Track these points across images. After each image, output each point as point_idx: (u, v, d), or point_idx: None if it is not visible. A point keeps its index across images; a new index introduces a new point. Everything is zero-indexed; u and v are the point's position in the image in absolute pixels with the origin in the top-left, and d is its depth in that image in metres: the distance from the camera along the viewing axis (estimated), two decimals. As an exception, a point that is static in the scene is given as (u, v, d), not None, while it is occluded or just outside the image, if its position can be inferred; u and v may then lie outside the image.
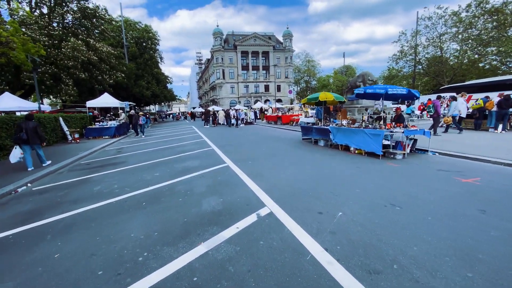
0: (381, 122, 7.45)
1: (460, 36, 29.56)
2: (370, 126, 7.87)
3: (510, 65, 26.25)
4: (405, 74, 36.96)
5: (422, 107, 19.66)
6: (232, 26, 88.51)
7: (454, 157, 6.98)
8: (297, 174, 5.85)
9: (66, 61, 19.27)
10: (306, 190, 4.67)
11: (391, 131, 7.06)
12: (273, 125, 22.64)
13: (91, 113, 18.76)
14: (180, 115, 58.65)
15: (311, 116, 19.79)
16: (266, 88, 66.32)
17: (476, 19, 27.42)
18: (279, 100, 63.03)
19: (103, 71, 22.59)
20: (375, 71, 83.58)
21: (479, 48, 28.36)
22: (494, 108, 10.61)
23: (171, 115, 59.61)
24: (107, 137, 16.03)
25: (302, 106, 23.88)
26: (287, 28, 67.14)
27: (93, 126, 16.01)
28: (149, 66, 36.16)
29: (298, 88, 76.35)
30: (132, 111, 18.59)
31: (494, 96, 11.06)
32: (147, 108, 65.42)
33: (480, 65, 29.03)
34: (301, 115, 22.13)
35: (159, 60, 39.57)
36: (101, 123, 16.55)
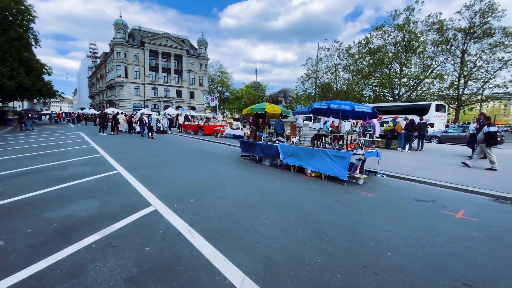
0: (341, 142, 6.65)
1: (351, 67, 35.82)
2: (327, 145, 6.99)
3: (385, 94, 33.58)
4: (309, 95, 41.72)
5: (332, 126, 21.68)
6: (138, 23, 77.11)
7: (405, 180, 6.91)
8: (281, 221, 4.03)
9: None
10: (308, 254, 2.93)
11: (354, 153, 6.33)
12: (192, 135, 19.95)
13: None
14: (63, 115, 45.58)
15: (237, 128, 18.47)
16: (178, 93, 61.61)
17: (362, 56, 33.94)
18: (193, 108, 59.56)
19: None
20: (275, 89, 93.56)
21: (362, 81, 35.18)
22: (402, 131, 12.15)
23: (47, 116, 44.73)
24: None
25: (226, 116, 22.33)
26: (202, 35, 65.48)
27: None
28: (15, 48, 26.08)
29: (212, 97, 75.16)
30: None
31: (400, 120, 12.75)
32: (8, 104, 48.11)
33: (364, 93, 36.04)
34: (225, 125, 20.53)
35: (33, 43, 29.43)
36: None
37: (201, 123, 21.10)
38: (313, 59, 38.93)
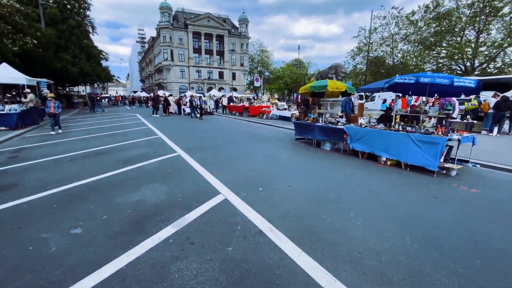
0: (429, 123, 5.46)
1: (412, 37, 31.22)
2: (409, 129, 5.85)
3: (451, 67, 28.80)
4: (360, 71, 38.02)
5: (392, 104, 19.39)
6: (181, 5, 77.68)
7: (508, 172, 5.50)
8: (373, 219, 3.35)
9: None
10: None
11: (449, 138, 5.14)
12: (237, 117, 19.76)
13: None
14: (120, 98, 49.81)
15: (284, 109, 17.63)
16: (221, 75, 62.17)
17: (427, 23, 29.11)
18: (234, 89, 59.76)
19: (3, 34, 15.92)
20: (319, 67, 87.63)
21: (426, 52, 30.47)
22: (490, 110, 10.00)
23: (106, 99, 49.24)
24: (3, 128, 10.78)
25: (270, 97, 21.54)
26: (243, 13, 63.56)
27: (-21, 112, 10.51)
28: (76, 35, 28.47)
29: (252, 77, 74.38)
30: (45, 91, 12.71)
31: (487, 96, 10.50)
32: (74, 89, 54.17)
33: (425, 66, 31.37)
34: (270, 106, 19.82)
35: (91, 30, 31.79)
36: (-6, 107, 11.05)
37: (246, 104, 20.69)
38: (366, 30, 34.92)
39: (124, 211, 3.41)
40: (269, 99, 22.44)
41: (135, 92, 68.42)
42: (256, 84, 21.51)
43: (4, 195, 4.01)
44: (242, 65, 63.36)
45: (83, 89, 53.39)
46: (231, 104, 22.01)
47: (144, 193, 4.05)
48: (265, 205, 3.58)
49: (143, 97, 42.12)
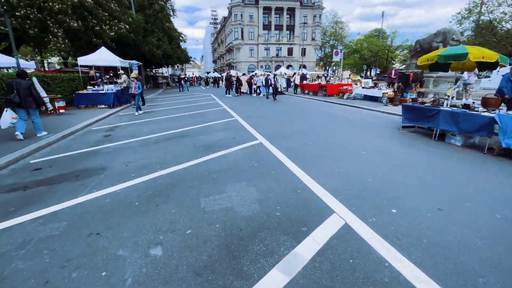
0: None
1: None
2: None
3: None
4: (469, 38, 29.69)
5: None
6: None
7: None
8: None
9: (51, 3, 14.70)
10: None
11: None
12: (312, 96, 17.87)
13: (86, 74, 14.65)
14: (195, 79, 53.31)
15: (371, 87, 14.88)
16: (290, 51, 59.26)
17: None
18: (304, 66, 56.37)
19: (102, 20, 17.88)
20: (405, 38, 72.92)
21: None
22: None
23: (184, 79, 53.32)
24: (103, 106, 12.07)
25: (351, 73, 18.67)
26: (318, -21, 57.31)
27: (83, 92, 11.95)
28: (159, 19, 30.64)
29: (322, 53, 68.77)
30: (135, 72, 13.61)
31: None
32: (159, 70, 60.57)
33: None
34: (352, 84, 17.15)
35: (171, 13, 33.74)
36: (95, 87, 12.45)
37: (322, 82, 18.49)
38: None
39: (211, 224, 2.60)
40: (349, 76, 19.55)
41: (208, 72, 72.47)
42: (336, 58, 18.87)
43: (92, 181, 3.80)
44: (313, 39, 58.69)
45: (166, 71, 59.28)
46: (304, 82, 20.11)
47: (231, 197, 3.20)
48: (420, 249, 2.20)
49: (215, 77, 43.77)
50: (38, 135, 6.44)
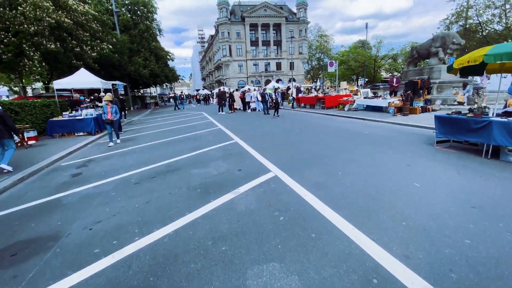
0: None
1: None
2: None
3: None
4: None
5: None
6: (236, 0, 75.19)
7: None
8: None
9: (27, 26, 13.50)
10: None
11: None
12: (311, 110, 16.90)
13: (69, 98, 13.22)
14: (184, 97, 52.15)
15: (374, 97, 14.02)
16: (278, 66, 59.55)
17: None
18: (293, 80, 56.46)
19: (83, 41, 16.69)
20: (386, 47, 75.12)
21: None
22: None
23: (172, 99, 51.45)
24: (82, 134, 10.59)
25: (349, 84, 17.94)
26: (302, -5, 58.81)
27: (58, 118, 10.44)
28: (145, 39, 29.82)
29: (309, 66, 69.85)
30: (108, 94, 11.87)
31: None
32: (147, 90, 59.39)
33: None
34: (350, 95, 16.34)
35: (158, 33, 33.02)
36: (72, 112, 10.99)
37: (319, 94, 17.64)
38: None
39: None
40: (347, 87, 18.81)
41: (197, 90, 71.70)
42: (331, 69, 18.17)
43: (31, 267, 2.37)
44: (300, 53, 59.32)
45: (154, 90, 58.09)
46: (299, 95, 19.23)
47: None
48: None
49: (205, 94, 42.78)
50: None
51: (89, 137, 9.96)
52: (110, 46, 18.96)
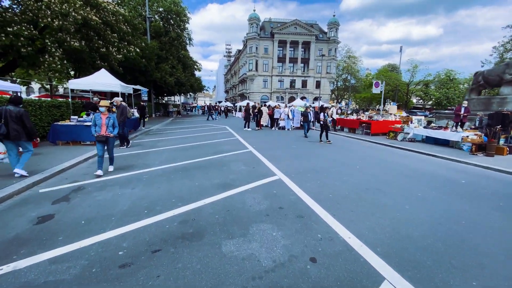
0: None
1: None
2: None
3: None
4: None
5: None
6: (267, 17, 75.33)
7: None
8: None
9: (51, 20, 12.67)
10: None
11: None
12: (351, 134, 14.56)
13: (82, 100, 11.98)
14: (206, 108, 51.02)
15: (440, 127, 11.53)
16: (304, 83, 58.05)
17: None
18: (315, 99, 54.53)
19: (110, 42, 15.78)
20: (421, 73, 71.39)
21: None
22: None
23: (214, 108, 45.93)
24: (89, 142, 9.00)
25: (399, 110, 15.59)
26: (334, 15, 57.99)
27: (63, 123, 8.90)
28: (175, 47, 29.33)
29: (334, 86, 67.84)
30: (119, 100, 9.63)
31: None
32: (171, 98, 59.76)
33: None
34: (400, 122, 13.91)
35: (188, 42, 32.61)
36: (82, 117, 9.50)
37: (363, 117, 15.32)
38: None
39: None
40: (395, 112, 16.36)
41: (219, 102, 71.45)
42: (376, 90, 15.93)
43: None
44: (328, 72, 57.50)
45: (178, 99, 58.23)
46: (337, 116, 16.99)
47: None
48: None
49: (224, 106, 40.99)
50: (14, 170, 5.01)
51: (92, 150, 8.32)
52: (138, 50, 18.01)
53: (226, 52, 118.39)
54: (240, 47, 69.33)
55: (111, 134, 5.53)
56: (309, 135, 12.92)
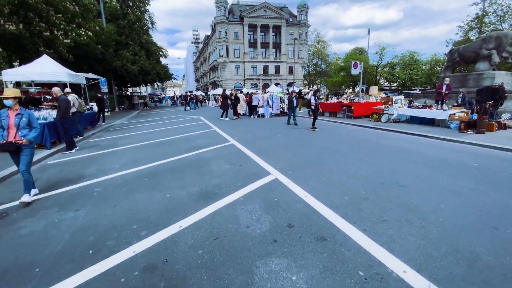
0: None
1: None
2: None
3: None
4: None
5: None
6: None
7: None
8: None
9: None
10: None
11: None
12: (333, 118, 13.93)
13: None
14: (175, 98, 47.80)
15: (424, 106, 11.21)
16: (277, 69, 56.98)
17: None
18: (289, 84, 54.03)
19: (54, 24, 13.14)
20: (388, 55, 73.95)
21: None
22: None
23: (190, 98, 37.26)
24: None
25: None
26: (303, -2, 56.73)
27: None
28: (135, 31, 26.27)
29: (305, 72, 67.84)
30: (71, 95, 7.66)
31: None
32: (137, 90, 55.33)
33: None
34: (381, 103, 13.53)
35: (150, 26, 29.53)
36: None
37: (343, 101, 14.74)
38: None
39: None
40: (375, 93, 16.00)
41: (190, 91, 68.17)
42: (354, 71, 15.38)
43: None
44: (300, 57, 56.90)
45: (145, 90, 54.05)
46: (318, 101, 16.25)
47: None
48: None
49: (193, 94, 37.83)
50: None
51: (41, 151, 6.57)
52: (90, 34, 15.46)
53: (194, 38, 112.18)
54: (208, 32, 65.83)
55: (24, 140, 3.63)
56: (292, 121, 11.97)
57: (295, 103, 11.05)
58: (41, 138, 7.02)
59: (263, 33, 56.00)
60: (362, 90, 18.23)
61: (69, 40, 13.79)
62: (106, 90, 22.32)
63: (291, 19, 56.85)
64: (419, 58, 52.87)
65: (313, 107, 9.95)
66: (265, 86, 51.44)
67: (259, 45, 54.88)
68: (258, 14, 52.97)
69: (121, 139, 8.91)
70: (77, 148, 7.22)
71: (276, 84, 50.64)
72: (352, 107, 13.26)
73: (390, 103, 13.34)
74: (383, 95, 15.83)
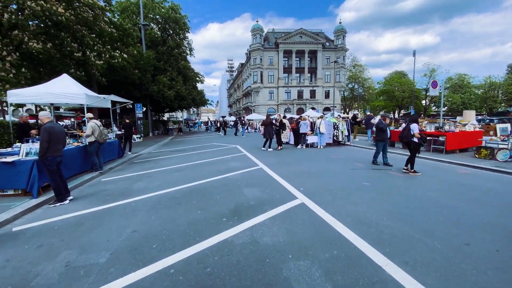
0: None
1: None
2: None
3: None
4: None
5: None
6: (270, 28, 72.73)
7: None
8: None
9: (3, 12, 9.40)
10: None
11: None
12: (400, 150, 10.47)
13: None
14: (209, 123, 46.97)
15: None
16: (312, 94, 54.66)
17: None
18: (327, 109, 50.95)
19: (87, 45, 12.28)
20: (447, 76, 67.92)
21: None
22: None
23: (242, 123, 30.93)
24: (11, 192, 5.14)
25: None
26: (340, 23, 55.40)
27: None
28: (174, 57, 26.11)
29: (342, 95, 64.44)
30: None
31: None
32: (173, 115, 56.47)
33: None
34: (482, 132, 9.87)
35: (188, 52, 29.49)
36: (7, 149, 5.75)
37: (425, 128, 11.29)
38: None
39: None
40: (472, 120, 12.36)
41: (223, 117, 68.30)
42: (433, 92, 12.07)
43: None
44: (338, 81, 54.13)
45: (181, 115, 54.86)
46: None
47: None
48: None
49: (231, 121, 37.24)
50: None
51: (21, 202, 4.46)
52: (125, 56, 14.54)
53: (228, 67, 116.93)
54: (243, 61, 66.99)
55: None
56: (338, 151, 8.78)
57: (388, 134, 7.89)
58: (27, 181, 4.94)
59: (298, 59, 55.05)
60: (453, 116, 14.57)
61: (102, 62, 12.81)
62: (140, 115, 21.61)
63: (327, 44, 55.38)
64: (470, 81, 47.56)
65: (416, 139, 6.75)
66: (300, 111, 49.08)
67: (293, 70, 53.72)
68: (293, 40, 52.44)
69: (139, 180, 6.63)
70: (71, 198, 4.97)
71: (312, 109, 47.92)
72: (443, 138, 9.79)
73: (496, 133, 9.67)
74: (474, 122, 12.07)
